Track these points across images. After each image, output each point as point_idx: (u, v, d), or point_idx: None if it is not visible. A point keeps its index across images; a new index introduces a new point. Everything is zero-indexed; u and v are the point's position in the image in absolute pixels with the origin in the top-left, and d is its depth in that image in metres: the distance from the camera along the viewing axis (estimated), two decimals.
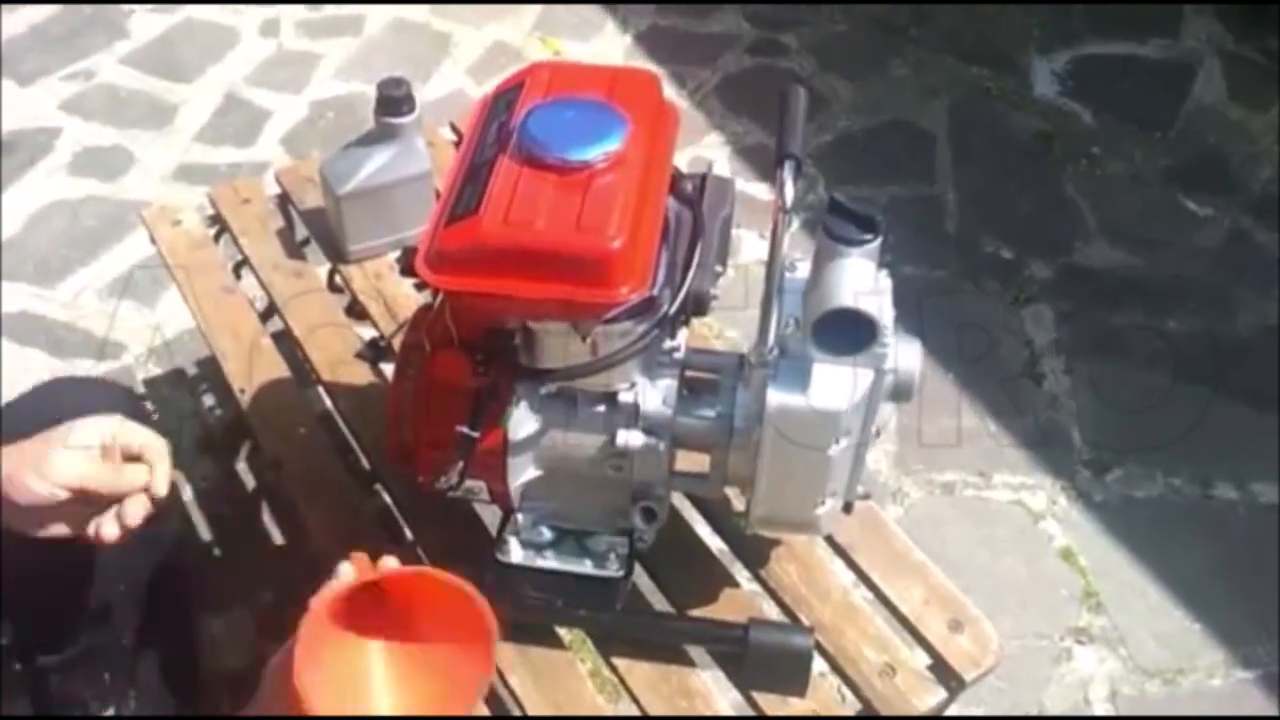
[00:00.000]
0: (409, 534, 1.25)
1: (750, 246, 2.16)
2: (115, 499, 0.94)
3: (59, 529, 0.95)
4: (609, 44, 2.81)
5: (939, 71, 2.73)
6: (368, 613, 0.81)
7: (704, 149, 2.48)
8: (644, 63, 2.70)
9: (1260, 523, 1.83)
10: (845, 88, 2.67)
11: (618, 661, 1.11)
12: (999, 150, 2.53)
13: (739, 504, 1.15)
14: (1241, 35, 2.79)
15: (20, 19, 2.82)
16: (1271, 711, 1.62)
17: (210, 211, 1.61)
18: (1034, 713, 1.61)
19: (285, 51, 2.77)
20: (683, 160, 1.07)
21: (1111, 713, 1.62)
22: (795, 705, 1.07)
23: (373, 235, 1.47)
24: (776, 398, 0.94)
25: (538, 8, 2.91)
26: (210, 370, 1.84)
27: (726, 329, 1.87)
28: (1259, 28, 2.78)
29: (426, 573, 0.80)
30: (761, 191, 2.31)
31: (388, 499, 1.28)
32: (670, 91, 2.53)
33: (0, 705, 1.14)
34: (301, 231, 1.59)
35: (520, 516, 1.10)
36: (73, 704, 1.25)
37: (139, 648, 1.28)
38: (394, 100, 1.40)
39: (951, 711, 1.15)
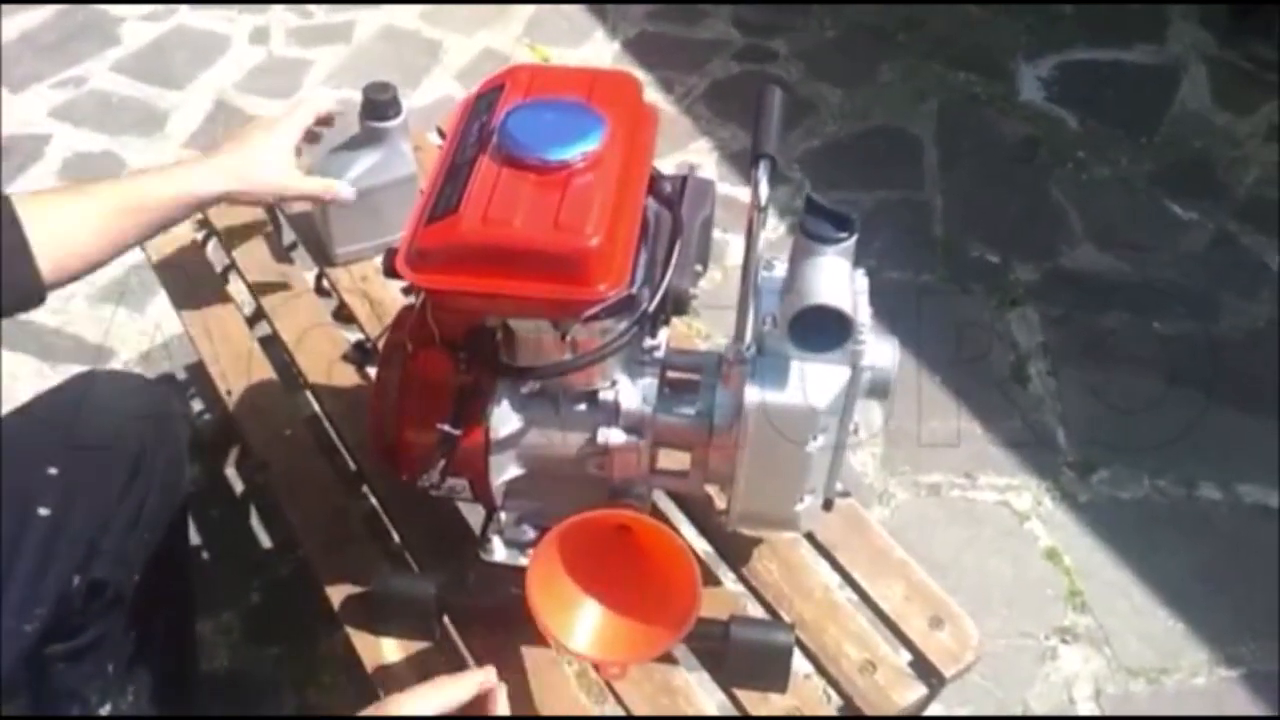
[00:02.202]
0: (395, 534, 1.25)
1: (738, 250, 2.17)
2: None
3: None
4: (598, 50, 2.82)
5: (927, 77, 2.75)
6: (609, 542, 0.98)
7: (691, 154, 2.50)
8: (632, 69, 2.71)
9: (1244, 524, 1.84)
10: (834, 93, 2.69)
11: None
12: (986, 155, 2.55)
13: (721, 503, 1.16)
14: (1226, 41, 2.81)
15: (12, 26, 2.84)
16: (1255, 711, 1.63)
17: (199, 216, 1.62)
18: (1019, 712, 1.62)
19: (276, 59, 2.79)
20: (669, 166, 1.08)
21: (1096, 712, 1.63)
22: (776, 702, 1.08)
23: (359, 238, 1.48)
24: (755, 395, 0.95)
25: (527, 15, 2.92)
26: (199, 374, 1.85)
27: (714, 332, 1.88)
28: (1243, 33, 2.81)
29: (653, 527, 0.95)
30: (748, 196, 2.32)
31: (374, 501, 1.29)
32: (658, 97, 2.57)
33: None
34: (289, 235, 1.60)
35: (503, 515, 1.11)
36: (74, 699, 1.25)
37: (139, 643, 1.29)
38: (380, 104, 1.40)
39: (938, 711, 1.16)
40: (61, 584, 1.12)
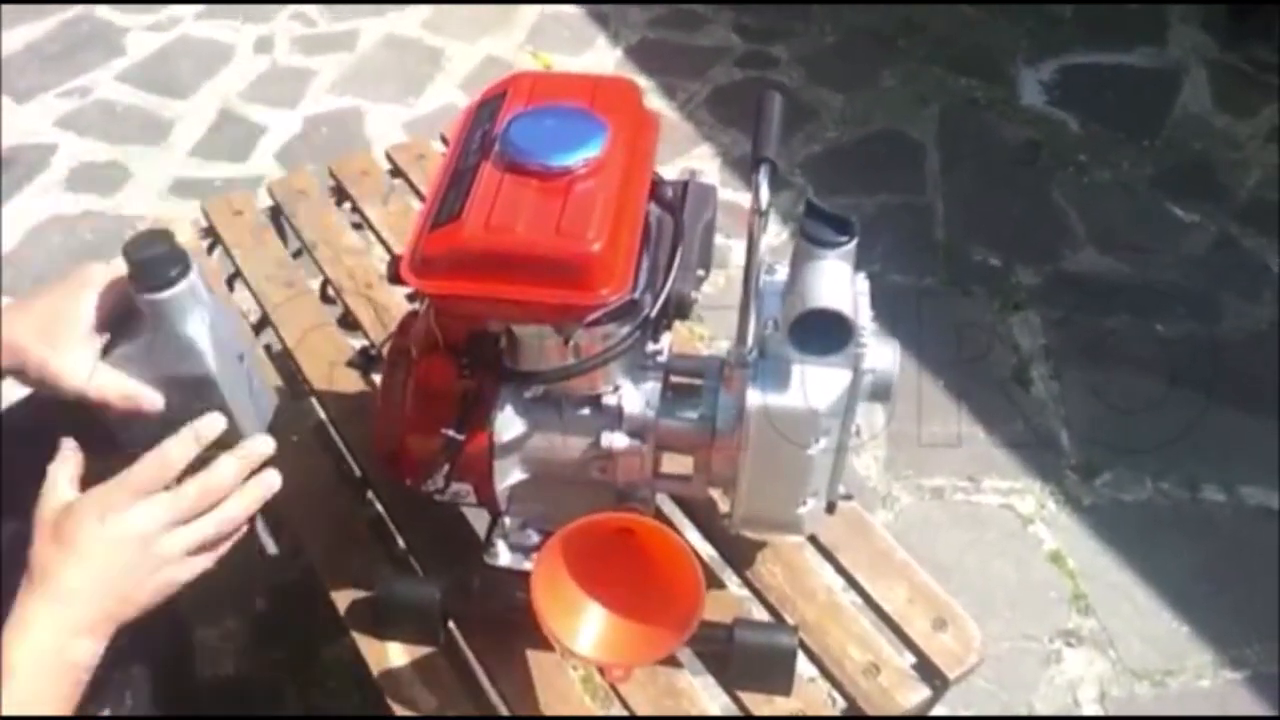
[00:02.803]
0: (399, 539, 1.26)
1: (740, 254, 2.17)
2: None
3: None
4: (600, 57, 2.83)
5: (928, 82, 2.76)
6: (612, 545, 0.98)
7: (693, 160, 2.51)
8: (634, 75, 2.72)
9: (1247, 525, 1.85)
10: (834, 99, 2.70)
11: None
12: (987, 159, 2.55)
13: (725, 506, 1.17)
14: (1226, 44, 2.82)
15: (17, 36, 2.85)
16: (1259, 713, 1.63)
17: (204, 224, 1.63)
18: (1023, 714, 1.62)
19: (280, 68, 2.80)
20: (671, 171, 1.09)
21: (1101, 714, 1.63)
22: (780, 705, 1.08)
23: (138, 440, 0.94)
24: (756, 398, 0.96)
25: (529, 22, 2.94)
26: None
27: (717, 336, 1.89)
28: (1243, 36, 2.82)
29: (657, 529, 0.96)
30: (750, 201, 2.33)
31: (379, 506, 1.29)
32: (660, 103, 2.58)
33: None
34: (294, 243, 1.61)
35: (508, 519, 1.11)
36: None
37: (137, 647, 1.29)
38: (148, 266, 0.85)
39: (942, 713, 1.16)
40: None
